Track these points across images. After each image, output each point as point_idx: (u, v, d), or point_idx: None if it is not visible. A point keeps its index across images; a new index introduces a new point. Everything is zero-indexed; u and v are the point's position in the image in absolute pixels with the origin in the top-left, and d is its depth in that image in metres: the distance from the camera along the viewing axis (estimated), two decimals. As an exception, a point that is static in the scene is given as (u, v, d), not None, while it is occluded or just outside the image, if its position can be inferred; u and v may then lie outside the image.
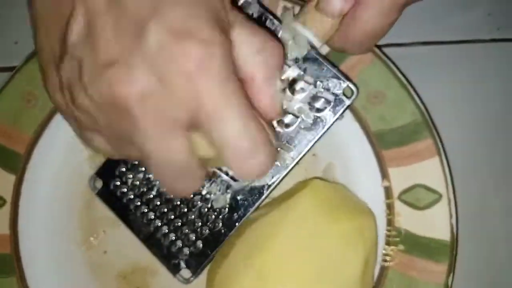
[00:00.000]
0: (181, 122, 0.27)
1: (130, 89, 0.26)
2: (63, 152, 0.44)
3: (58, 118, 0.43)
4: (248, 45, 0.29)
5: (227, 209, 0.41)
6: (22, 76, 0.43)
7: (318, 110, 0.39)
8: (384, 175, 0.42)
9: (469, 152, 0.44)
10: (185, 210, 0.42)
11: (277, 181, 0.41)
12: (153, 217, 0.42)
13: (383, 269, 0.41)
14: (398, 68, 0.42)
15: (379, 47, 0.43)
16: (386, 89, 0.42)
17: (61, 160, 0.44)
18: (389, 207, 0.42)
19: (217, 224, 0.41)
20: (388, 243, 0.41)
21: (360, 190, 0.43)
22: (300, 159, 0.40)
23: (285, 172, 0.40)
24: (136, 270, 0.44)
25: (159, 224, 0.42)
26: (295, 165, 0.40)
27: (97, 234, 0.44)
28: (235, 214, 0.41)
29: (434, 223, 0.41)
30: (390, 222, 0.42)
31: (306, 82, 0.39)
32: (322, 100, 0.39)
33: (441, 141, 0.41)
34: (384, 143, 0.42)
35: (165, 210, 0.42)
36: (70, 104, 0.30)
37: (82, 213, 0.44)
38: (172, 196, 0.41)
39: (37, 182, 0.43)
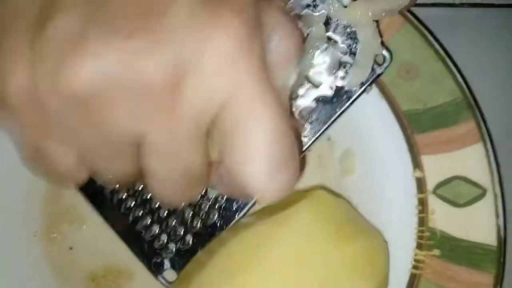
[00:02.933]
0: (208, 117, 0.22)
1: (158, 67, 0.20)
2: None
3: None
4: (279, 28, 0.24)
5: (225, 197, 0.34)
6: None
7: (342, 79, 0.32)
8: (417, 164, 0.35)
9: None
10: None
11: None
12: (133, 204, 0.34)
13: (413, 279, 0.34)
14: (434, 36, 0.36)
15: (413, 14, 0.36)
16: (420, 62, 0.36)
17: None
18: (422, 203, 0.35)
19: (211, 216, 0.34)
20: (420, 247, 0.35)
21: (386, 182, 0.36)
22: (317, 138, 0.33)
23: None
24: (108, 272, 0.37)
25: (140, 213, 0.34)
26: (310, 145, 0.33)
27: (62, 226, 0.36)
28: (234, 204, 0.34)
29: (477, 224, 0.34)
30: (423, 222, 0.35)
31: (329, 44, 0.32)
32: (348, 66, 0.33)
33: (485, 125, 0.35)
34: (417, 125, 0.35)
35: (148, 196, 0.34)
36: (42, 90, 0.21)
37: (45, 199, 0.37)
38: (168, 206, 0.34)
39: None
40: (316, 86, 0.32)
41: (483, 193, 0.34)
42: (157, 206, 0.34)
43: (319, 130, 0.32)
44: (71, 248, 0.36)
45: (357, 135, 0.37)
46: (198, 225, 0.34)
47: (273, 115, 0.22)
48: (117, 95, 0.21)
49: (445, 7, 0.38)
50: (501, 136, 0.36)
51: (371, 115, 0.36)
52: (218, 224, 0.34)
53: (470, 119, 0.35)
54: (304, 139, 0.32)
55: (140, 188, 0.34)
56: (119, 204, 0.34)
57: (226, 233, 0.33)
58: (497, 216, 0.34)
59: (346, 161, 0.37)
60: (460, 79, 0.35)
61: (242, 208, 0.34)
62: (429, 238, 0.34)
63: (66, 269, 0.36)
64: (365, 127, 0.36)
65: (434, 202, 0.35)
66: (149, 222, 0.34)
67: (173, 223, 0.34)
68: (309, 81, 0.32)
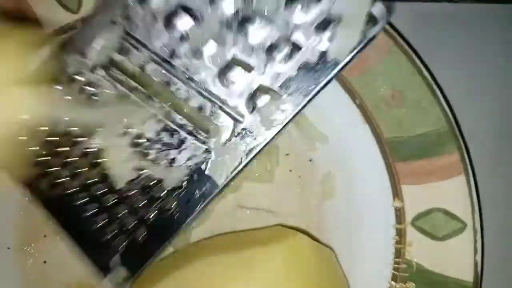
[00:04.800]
0: None
1: None
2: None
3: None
4: None
5: (184, 183, 0.29)
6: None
7: (330, 41, 0.27)
8: (396, 193, 0.34)
9: (499, 169, 0.36)
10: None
11: (264, 144, 0.29)
12: (78, 187, 0.29)
13: (386, 311, 0.33)
14: (422, 61, 0.35)
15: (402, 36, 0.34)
16: (406, 88, 0.35)
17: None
18: (400, 234, 0.34)
19: (168, 206, 0.29)
20: (395, 278, 0.33)
21: (365, 209, 0.35)
22: (298, 112, 0.28)
23: (275, 132, 0.29)
24: (83, 284, 0.35)
25: (86, 198, 0.29)
26: (291, 120, 0.28)
27: (35, 240, 0.35)
28: (196, 191, 0.29)
29: (454, 259, 0.33)
30: (399, 253, 0.34)
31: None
32: (335, 25, 0.27)
33: (469, 157, 0.34)
34: (399, 154, 0.34)
35: (96, 179, 0.29)
36: None
37: (18, 213, 0.36)
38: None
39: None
40: (298, 47, 0.27)
41: (463, 227, 0.33)
42: (105, 190, 0.30)
43: (300, 103, 0.28)
44: (45, 262, 0.36)
45: (338, 159, 0.36)
46: (153, 216, 0.29)
47: None
48: None
49: (445, 1, 0.36)
50: (484, 169, 0.35)
51: (353, 140, 0.35)
52: (176, 216, 0.29)
53: (454, 150, 0.34)
54: (283, 114, 0.28)
55: (86, 168, 0.30)
56: (63, 185, 0.30)
57: (192, 248, 0.32)
58: (475, 252, 0.32)
59: (327, 184, 0.36)
60: (446, 108, 0.34)
61: (208, 196, 0.29)
62: (404, 270, 0.33)
63: (39, 283, 0.35)
64: (347, 151, 0.35)
65: (412, 234, 0.33)
66: (95, 210, 0.29)
67: (123, 212, 0.29)
68: (289, 40, 0.27)
